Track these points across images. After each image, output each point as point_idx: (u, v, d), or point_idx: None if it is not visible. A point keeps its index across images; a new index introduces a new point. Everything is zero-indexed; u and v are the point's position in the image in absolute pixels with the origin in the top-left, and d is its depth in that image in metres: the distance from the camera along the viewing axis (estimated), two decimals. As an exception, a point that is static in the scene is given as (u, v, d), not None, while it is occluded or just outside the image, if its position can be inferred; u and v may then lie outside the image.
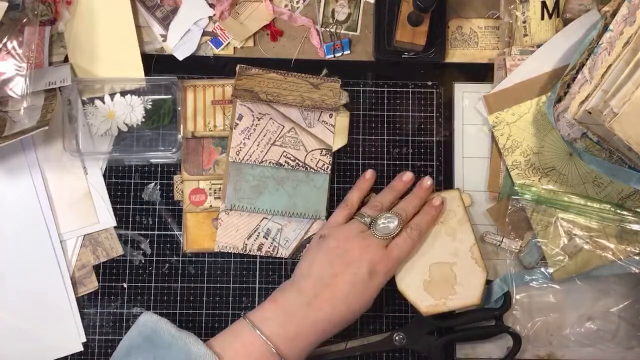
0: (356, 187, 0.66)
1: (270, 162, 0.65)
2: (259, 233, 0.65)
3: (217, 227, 0.65)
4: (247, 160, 0.65)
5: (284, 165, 0.65)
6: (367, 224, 0.61)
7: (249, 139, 0.65)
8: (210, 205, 0.67)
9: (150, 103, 0.67)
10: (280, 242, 0.65)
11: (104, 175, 0.68)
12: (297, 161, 0.65)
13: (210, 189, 0.67)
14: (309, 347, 0.57)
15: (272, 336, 0.55)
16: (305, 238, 0.65)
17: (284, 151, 0.65)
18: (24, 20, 0.64)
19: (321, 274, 0.58)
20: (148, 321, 0.57)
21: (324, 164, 0.65)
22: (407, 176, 0.65)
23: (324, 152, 0.66)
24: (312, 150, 0.65)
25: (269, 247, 0.65)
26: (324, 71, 0.63)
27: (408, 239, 0.61)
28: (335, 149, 0.66)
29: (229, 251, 0.65)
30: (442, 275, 0.62)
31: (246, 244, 0.65)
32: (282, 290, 0.59)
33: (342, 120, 0.67)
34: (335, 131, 0.66)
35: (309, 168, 0.65)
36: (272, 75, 0.65)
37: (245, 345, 0.55)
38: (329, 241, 0.60)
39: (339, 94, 0.65)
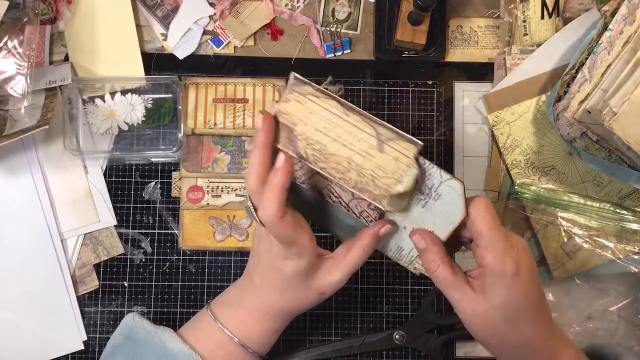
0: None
1: (312, 187, 0.53)
2: None
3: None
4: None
5: (324, 196, 0.52)
6: None
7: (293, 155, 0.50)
8: (208, 203, 0.67)
9: (151, 102, 0.67)
10: None
11: (105, 174, 0.68)
12: (340, 199, 0.52)
13: (208, 186, 0.67)
14: (264, 332, 0.55)
15: (227, 324, 0.54)
16: None
17: (329, 184, 0.51)
18: (25, 19, 0.64)
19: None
20: (128, 321, 0.58)
21: (368, 216, 0.51)
22: None
23: (372, 206, 0.50)
24: (359, 199, 0.50)
25: None
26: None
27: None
28: (386, 209, 0.48)
29: None
30: None
31: None
32: (242, 276, 0.58)
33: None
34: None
35: (350, 211, 0.52)
36: (331, 103, 0.47)
37: (209, 335, 0.55)
38: None
39: (401, 173, 0.46)
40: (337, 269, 0.52)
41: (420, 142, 0.46)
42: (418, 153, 0.46)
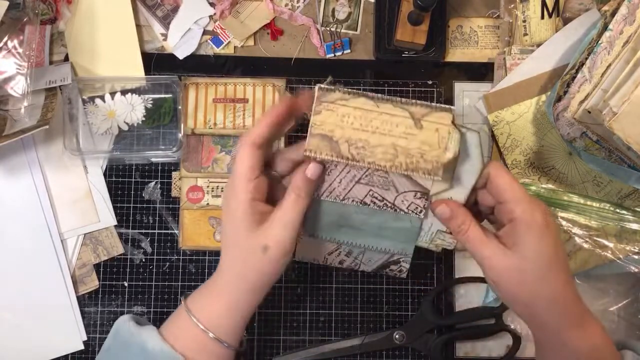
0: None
1: (353, 201, 0.54)
2: (341, 252, 0.59)
3: (297, 242, 0.56)
4: (327, 196, 0.54)
5: (369, 205, 0.54)
6: None
7: (329, 174, 0.53)
8: (208, 203, 0.67)
9: (151, 102, 0.67)
10: (362, 260, 0.60)
11: (105, 174, 0.68)
12: (385, 201, 0.54)
13: (208, 186, 0.67)
14: (232, 315, 0.54)
15: (199, 315, 0.54)
16: (390, 260, 0.59)
17: (370, 190, 0.53)
18: (25, 19, 0.64)
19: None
20: (119, 322, 0.57)
21: (417, 207, 0.53)
22: None
23: (418, 194, 0.52)
24: (404, 192, 0.53)
25: (350, 263, 0.60)
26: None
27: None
28: (434, 192, 0.52)
29: (309, 262, 0.60)
30: None
31: (327, 258, 0.60)
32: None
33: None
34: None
35: (398, 210, 0.54)
36: (360, 101, 0.49)
37: (185, 331, 0.54)
38: None
39: (446, 141, 0.49)
40: (275, 221, 0.51)
41: (453, 107, 0.48)
42: (454, 117, 0.49)
